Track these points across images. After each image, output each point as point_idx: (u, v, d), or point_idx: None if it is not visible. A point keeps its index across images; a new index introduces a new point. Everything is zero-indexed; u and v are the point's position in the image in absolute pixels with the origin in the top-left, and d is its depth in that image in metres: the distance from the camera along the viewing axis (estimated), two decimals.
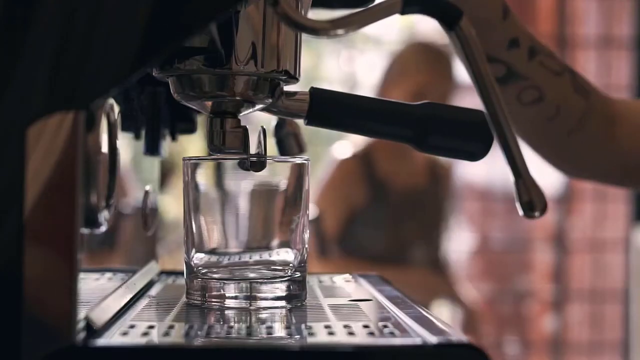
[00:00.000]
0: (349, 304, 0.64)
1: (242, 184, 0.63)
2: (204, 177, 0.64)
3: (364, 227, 1.95)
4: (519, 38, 0.72)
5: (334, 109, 0.63)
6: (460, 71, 1.98)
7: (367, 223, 1.95)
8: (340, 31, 0.53)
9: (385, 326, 0.54)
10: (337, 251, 1.94)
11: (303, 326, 0.55)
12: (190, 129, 0.84)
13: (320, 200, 1.96)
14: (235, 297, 0.61)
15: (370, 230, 1.94)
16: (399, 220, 1.96)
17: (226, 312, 0.61)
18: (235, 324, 0.56)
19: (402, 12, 0.54)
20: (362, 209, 1.94)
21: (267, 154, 0.61)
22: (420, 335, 0.51)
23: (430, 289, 1.98)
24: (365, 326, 0.54)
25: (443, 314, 2.15)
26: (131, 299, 0.63)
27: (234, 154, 0.61)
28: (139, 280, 0.69)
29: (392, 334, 0.52)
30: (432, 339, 0.49)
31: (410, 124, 0.63)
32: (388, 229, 1.96)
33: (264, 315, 0.60)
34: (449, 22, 0.55)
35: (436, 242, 2.04)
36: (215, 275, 0.62)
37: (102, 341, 0.49)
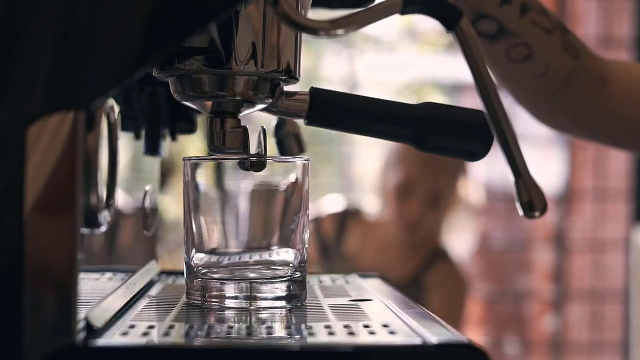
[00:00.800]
0: (349, 304, 0.64)
1: (242, 184, 0.63)
2: (204, 177, 0.64)
3: None
4: None
5: (334, 109, 0.63)
6: (461, 72, 1.98)
7: None
8: (340, 31, 0.53)
9: (385, 326, 0.54)
10: None
11: (303, 326, 0.55)
12: (190, 129, 0.84)
13: None
14: (235, 297, 0.61)
15: None
16: None
17: (226, 312, 0.61)
18: (235, 324, 0.56)
19: (402, 12, 0.54)
20: None
21: (267, 154, 0.61)
22: (420, 335, 0.51)
23: None
24: (365, 326, 0.54)
25: None
26: (131, 299, 0.63)
27: (234, 154, 0.61)
28: (139, 280, 0.69)
29: (392, 334, 0.52)
30: (432, 339, 0.49)
31: (410, 124, 0.63)
32: None
33: (264, 315, 0.60)
34: (448, 22, 0.55)
35: None
36: (215, 275, 0.62)
37: (102, 341, 0.49)
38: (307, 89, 0.63)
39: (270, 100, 0.61)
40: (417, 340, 0.49)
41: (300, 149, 0.78)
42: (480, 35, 0.71)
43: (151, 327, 0.54)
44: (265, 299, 0.62)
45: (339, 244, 1.94)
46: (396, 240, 1.93)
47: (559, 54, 0.77)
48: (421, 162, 1.89)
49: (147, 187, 0.74)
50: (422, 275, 1.93)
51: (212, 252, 0.63)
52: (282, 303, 0.62)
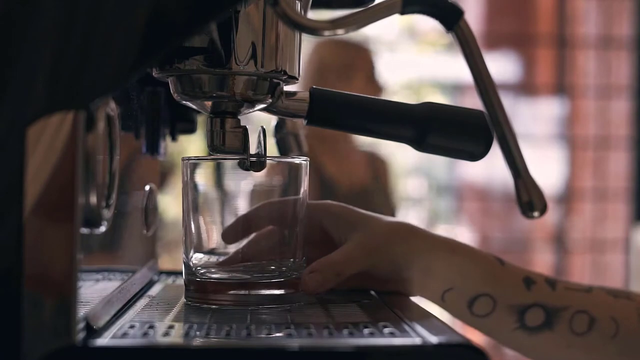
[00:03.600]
0: (349, 304, 0.64)
1: (241, 184, 0.63)
2: (202, 177, 0.64)
3: None
4: (529, 275, 0.68)
5: (334, 109, 0.63)
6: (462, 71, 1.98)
7: None
8: (340, 31, 0.53)
9: (385, 326, 0.54)
10: None
11: (303, 326, 0.55)
12: (190, 129, 0.84)
13: None
14: (234, 297, 0.61)
15: None
16: None
17: (225, 312, 0.61)
18: (235, 324, 0.56)
19: (402, 12, 0.54)
20: None
21: (267, 154, 0.61)
22: (420, 335, 0.51)
23: None
24: (365, 326, 0.54)
25: None
26: (131, 299, 0.63)
27: (233, 154, 0.61)
28: (139, 280, 0.69)
29: (392, 334, 0.52)
30: (432, 339, 0.49)
31: (410, 124, 0.63)
32: None
33: (263, 315, 0.60)
34: (448, 22, 0.55)
35: None
36: (214, 276, 0.62)
37: (102, 341, 0.49)
38: (307, 89, 0.63)
39: (270, 100, 0.61)
40: (417, 340, 0.49)
41: (300, 149, 0.77)
42: (534, 331, 0.67)
43: (151, 327, 0.54)
44: (264, 299, 0.62)
45: (319, 174, 1.96)
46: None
47: (614, 303, 0.70)
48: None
49: (147, 187, 0.74)
50: (375, 166, 2.04)
51: (211, 252, 0.63)
52: (281, 303, 0.62)
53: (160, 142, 0.79)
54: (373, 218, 0.68)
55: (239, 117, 0.61)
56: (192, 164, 0.63)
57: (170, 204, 2.63)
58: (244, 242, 0.64)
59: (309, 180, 0.64)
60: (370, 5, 0.55)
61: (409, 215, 3.09)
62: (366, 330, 0.53)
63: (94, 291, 0.54)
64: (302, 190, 0.63)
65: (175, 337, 0.52)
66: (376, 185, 2.02)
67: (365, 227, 0.67)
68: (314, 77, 1.93)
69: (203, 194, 0.64)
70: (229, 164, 0.63)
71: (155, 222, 0.79)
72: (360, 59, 2.00)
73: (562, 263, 2.87)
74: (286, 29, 0.58)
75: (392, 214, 2.02)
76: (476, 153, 0.64)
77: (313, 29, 0.52)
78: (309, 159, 0.64)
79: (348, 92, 0.65)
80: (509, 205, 2.75)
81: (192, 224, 0.63)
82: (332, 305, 0.63)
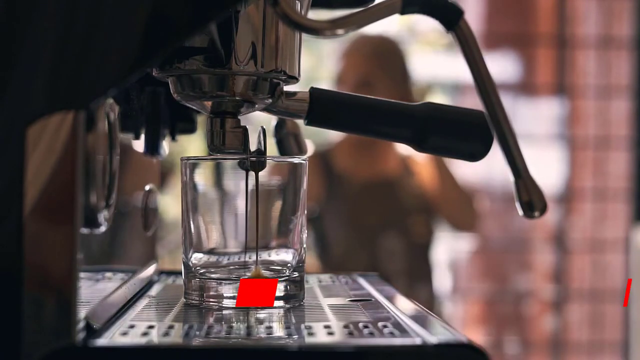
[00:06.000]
0: (348, 304, 0.64)
1: (240, 184, 0.63)
2: (201, 177, 0.64)
3: (327, 222, 1.90)
4: None
5: (334, 109, 0.63)
6: (461, 70, 1.98)
7: (330, 218, 1.90)
8: (340, 31, 0.53)
9: (385, 326, 0.54)
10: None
11: (302, 326, 0.55)
12: (190, 129, 0.84)
13: None
14: (233, 297, 0.61)
15: (333, 225, 1.90)
16: (363, 212, 1.92)
17: (225, 312, 0.61)
18: (235, 324, 0.56)
19: (402, 12, 0.54)
20: (322, 205, 1.90)
21: (267, 154, 0.61)
22: (420, 335, 0.51)
23: None
24: (365, 326, 0.54)
25: None
26: (131, 299, 0.63)
27: (233, 154, 0.61)
28: (139, 280, 0.69)
29: (392, 334, 0.52)
30: (432, 339, 0.49)
31: (410, 124, 0.63)
32: (351, 221, 1.91)
33: (262, 315, 0.60)
34: (448, 22, 0.55)
35: (412, 231, 1.94)
36: (213, 276, 0.62)
37: (102, 341, 0.49)
38: (307, 89, 0.63)
39: (270, 100, 0.61)
40: (417, 340, 0.49)
41: (300, 149, 0.77)
42: None
43: (151, 327, 0.54)
44: None
45: (329, 167, 1.92)
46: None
47: None
48: (373, 59, 1.98)
49: (147, 187, 0.74)
50: (407, 162, 1.96)
51: (210, 252, 0.63)
52: (280, 303, 0.62)
53: (160, 142, 0.79)
54: None
55: (239, 117, 0.61)
56: (192, 164, 0.63)
57: (170, 204, 2.63)
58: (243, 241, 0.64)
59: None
60: (370, 5, 0.55)
61: None
62: (366, 330, 0.53)
63: (94, 291, 0.54)
64: (301, 190, 0.63)
65: (175, 337, 0.52)
66: (408, 178, 1.98)
67: None
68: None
69: (202, 194, 0.64)
70: (229, 164, 0.63)
71: (155, 222, 0.79)
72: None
73: (562, 263, 2.87)
74: (286, 29, 0.58)
75: (424, 208, 1.97)
76: (476, 153, 0.64)
77: (313, 29, 0.52)
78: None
79: (348, 93, 0.65)
80: (509, 205, 2.75)
81: (192, 224, 0.63)
82: (332, 305, 0.63)
